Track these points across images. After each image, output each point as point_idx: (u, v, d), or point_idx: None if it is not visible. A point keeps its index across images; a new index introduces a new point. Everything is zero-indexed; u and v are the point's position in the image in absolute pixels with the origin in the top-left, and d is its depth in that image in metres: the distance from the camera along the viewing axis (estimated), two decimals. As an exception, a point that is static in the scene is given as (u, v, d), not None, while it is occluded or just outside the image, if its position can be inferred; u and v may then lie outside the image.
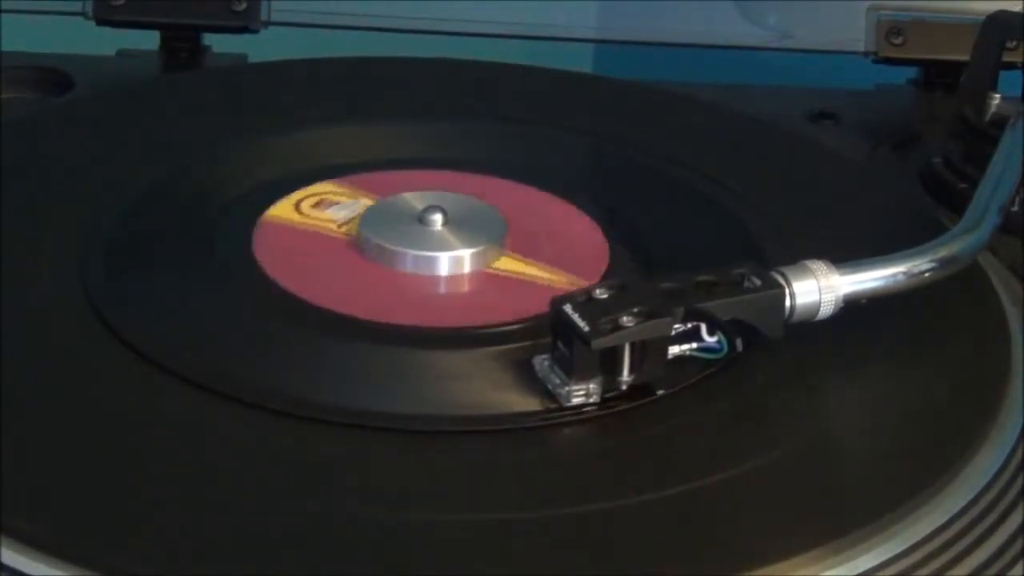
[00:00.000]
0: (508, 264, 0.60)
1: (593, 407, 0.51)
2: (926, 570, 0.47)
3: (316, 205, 0.62)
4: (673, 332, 0.51)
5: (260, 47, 0.81)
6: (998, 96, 0.71)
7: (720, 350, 0.53)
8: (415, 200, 0.61)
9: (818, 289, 0.53)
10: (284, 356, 0.53)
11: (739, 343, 0.53)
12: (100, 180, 0.64)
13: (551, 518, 0.47)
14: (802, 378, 0.54)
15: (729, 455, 0.50)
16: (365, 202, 0.62)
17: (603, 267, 0.60)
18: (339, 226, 0.61)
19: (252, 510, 0.47)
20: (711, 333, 0.53)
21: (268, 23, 0.81)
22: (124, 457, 0.49)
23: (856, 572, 0.47)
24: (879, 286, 0.54)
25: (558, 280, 0.59)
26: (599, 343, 0.50)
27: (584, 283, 0.57)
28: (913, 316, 0.56)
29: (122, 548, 0.45)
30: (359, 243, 0.60)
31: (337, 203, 0.62)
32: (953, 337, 0.58)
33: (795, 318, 0.53)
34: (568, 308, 0.50)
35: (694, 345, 0.53)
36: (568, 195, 0.65)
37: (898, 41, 0.83)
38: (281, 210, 0.62)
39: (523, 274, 0.59)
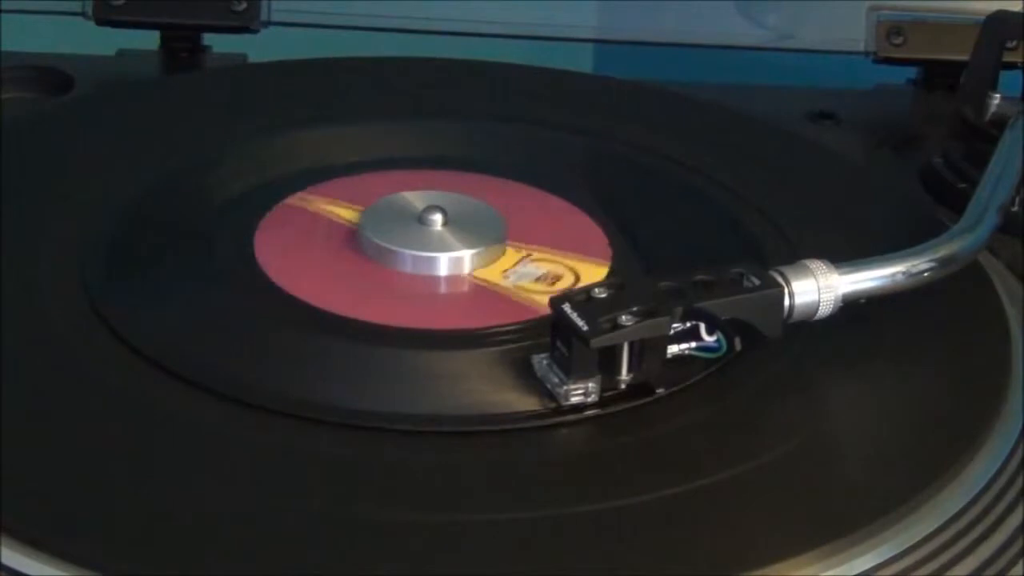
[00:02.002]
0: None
1: (592, 406, 0.51)
2: (926, 570, 0.47)
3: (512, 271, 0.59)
4: (672, 331, 0.51)
5: (260, 47, 0.81)
6: (998, 96, 0.71)
7: (719, 349, 0.53)
8: (415, 200, 0.61)
9: (817, 289, 0.53)
10: (284, 356, 0.53)
11: (737, 342, 0.53)
12: (100, 180, 0.64)
13: (551, 518, 0.47)
14: (802, 378, 0.54)
15: (729, 455, 0.50)
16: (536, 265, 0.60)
17: (603, 267, 0.60)
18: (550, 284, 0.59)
19: (251, 510, 0.47)
20: (710, 332, 0.53)
21: (268, 23, 0.81)
22: (124, 457, 0.49)
23: (856, 572, 0.47)
24: (878, 286, 0.54)
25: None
26: (598, 342, 0.50)
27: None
28: (913, 316, 0.56)
29: (121, 548, 0.45)
30: (359, 243, 0.60)
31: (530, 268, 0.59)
32: (953, 337, 0.58)
33: (794, 317, 0.53)
34: (567, 307, 0.50)
35: (693, 344, 0.53)
36: (568, 195, 0.65)
37: (898, 41, 0.83)
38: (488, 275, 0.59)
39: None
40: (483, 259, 0.59)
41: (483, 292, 0.58)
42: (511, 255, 0.60)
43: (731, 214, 0.64)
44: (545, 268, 0.59)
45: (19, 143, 0.66)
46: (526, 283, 0.58)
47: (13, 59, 0.77)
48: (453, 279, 0.59)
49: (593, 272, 0.59)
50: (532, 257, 0.60)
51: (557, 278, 0.59)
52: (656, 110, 0.74)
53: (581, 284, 0.58)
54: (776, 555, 0.46)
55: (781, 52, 0.85)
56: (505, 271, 0.59)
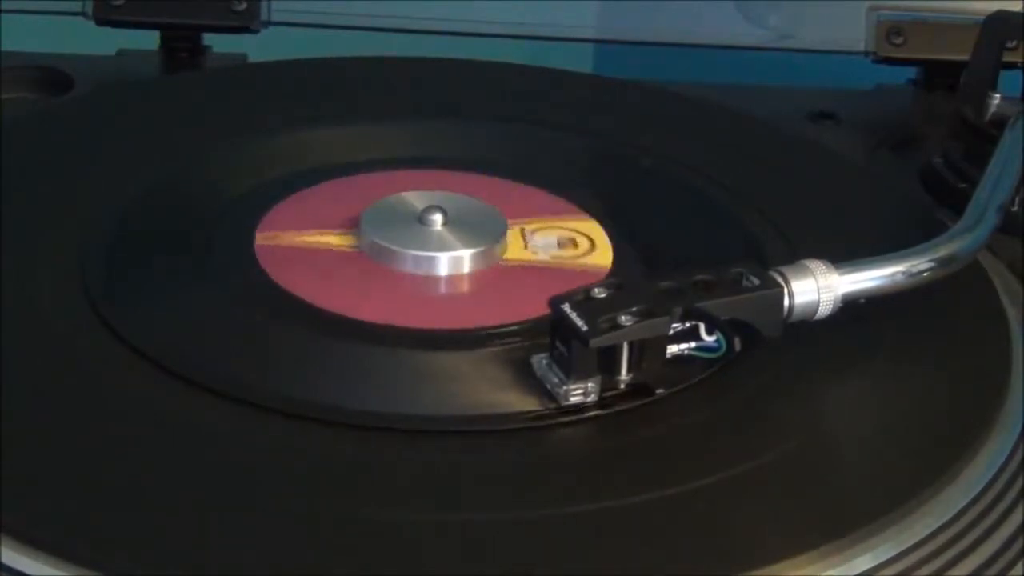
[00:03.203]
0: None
1: (592, 406, 0.51)
2: (926, 570, 0.47)
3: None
4: (671, 331, 0.51)
5: (260, 47, 0.81)
6: (998, 96, 0.71)
7: (718, 349, 0.53)
8: (415, 200, 0.61)
9: (817, 288, 0.53)
10: (284, 356, 0.54)
11: (737, 342, 0.53)
12: (100, 180, 0.64)
13: (551, 518, 0.47)
14: (801, 378, 0.54)
15: (729, 455, 0.50)
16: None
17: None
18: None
19: (252, 510, 0.47)
20: (709, 332, 0.53)
21: (268, 23, 0.81)
22: (124, 457, 0.49)
23: (856, 572, 0.47)
24: (878, 285, 0.54)
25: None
26: (597, 342, 0.50)
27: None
28: (913, 316, 0.56)
29: (120, 548, 0.45)
30: (359, 243, 0.60)
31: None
32: (953, 337, 0.58)
33: (794, 317, 0.53)
34: (566, 307, 0.50)
35: (692, 344, 0.53)
36: (568, 195, 0.65)
37: (898, 41, 0.83)
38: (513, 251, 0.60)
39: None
40: (483, 259, 0.59)
41: (521, 272, 0.59)
42: (514, 235, 0.61)
43: (731, 214, 0.64)
44: (554, 235, 0.60)
45: (19, 143, 0.66)
46: (556, 252, 0.59)
47: (13, 59, 0.77)
48: (453, 278, 0.59)
49: (591, 229, 0.62)
50: (533, 230, 0.61)
51: (572, 241, 0.60)
52: (656, 110, 0.74)
53: (592, 244, 0.61)
54: (776, 555, 0.46)
55: (781, 52, 0.85)
56: (525, 248, 0.60)
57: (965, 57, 0.74)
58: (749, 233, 0.63)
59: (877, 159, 0.75)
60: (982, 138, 0.69)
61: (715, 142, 0.71)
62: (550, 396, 0.51)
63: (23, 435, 0.49)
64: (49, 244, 0.59)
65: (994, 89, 0.71)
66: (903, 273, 0.55)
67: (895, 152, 0.76)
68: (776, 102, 0.79)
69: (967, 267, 0.57)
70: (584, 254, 0.60)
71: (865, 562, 0.47)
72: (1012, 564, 0.48)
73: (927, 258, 0.55)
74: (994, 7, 0.74)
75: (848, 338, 0.55)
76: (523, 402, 0.51)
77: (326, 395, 0.51)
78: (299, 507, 0.47)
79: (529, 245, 0.59)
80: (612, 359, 0.51)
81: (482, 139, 0.69)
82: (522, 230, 0.61)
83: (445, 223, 0.60)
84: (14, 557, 0.45)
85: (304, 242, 0.60)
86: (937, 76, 0.83)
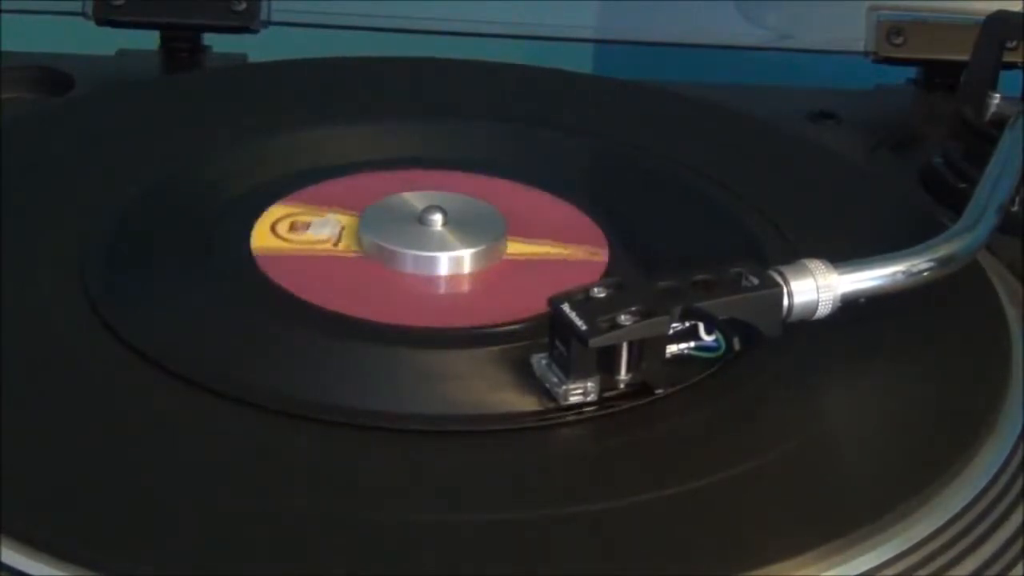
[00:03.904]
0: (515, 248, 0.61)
1: (591, 406, 0.51)
2: (926, 570, 0.47)
3: (292, 229, 0.61)
4: (671, 331, 0.51)
5: (260, 47, 0.81)
6: (998, 96, 0.71)
7: (717, 349, 0.53)
8: (415, 200, 0.61)
9: (816, 288, 0.53)
10: (284, 356, 0.53)
11: (736, 342, 0.53)
12: (100, 180, 0.64)
13: (550, 518, 0.47)
14: (801, 378, 0.54)
15: (729, 455, 0.50)
16: (335, 217, 0.61)
17: (603, 267, 0.60)
18: (333, 244, 0.60)
19: (252, 510, 0.47)
20: (709, 332, 0.53)
21: (268, 23, 0.81)
22: (124, 457, 0.49)
23: (856, 572, 0.47)
24: (877, 285, 0.54)
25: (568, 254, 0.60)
26: (596, 342, 0.50)
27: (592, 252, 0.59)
28: (913, 316, 0.56)
29: (121, 548, 0.45)
30: (359, 243, 0.60)
31: (310, 223, 0.61)
32: (953, 337, 0.58)
33: (793, 317, 0.53)
34: (566, 307, 0.50)
35: (692, 344, 0.53)
36: (568, 195, 0.65)
37: (898, 41, 0.83)
38: (261, 239, 0.60)
39: (532, 254, 0.60)
40: (483, 259, 0.59)
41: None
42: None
43: (731, 214, 0.64)
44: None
45: (19, 143, 0.66)
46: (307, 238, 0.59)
47: (13, 59, 0.77)
48: (453, 278, 0.59)
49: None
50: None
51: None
52: (656, 110, 0.74)
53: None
54: (776, 555, 0.46)
55: (781, 52, 0.85)
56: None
57: (965, 57, 0.74)
58: (749, 233, 0.63)
59: (877, 159, 0.75)
60: (982, 138, 0.69)
61: (715, 142, 0.71)
62: (550, 396, 0.51)
63: (23, 435, 0.49)
64: (49, 244, 0.59)
65: (994, 89, 0.71)
66: (903, 273, 0.55)
67: (895, 152, 0.76)
68: (776, 102, 0.79)
69: (967, 267, 0.57)
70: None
71: (865, 562, 0.47)
72: (1012, 564, 0.48)
73: (926, 258, 0.55)
74: (994, 7, 0.74)
75: (848, 338, 0.55)
76: (522, 402, 0.51)
77: (326, 395, 0.51)
78: (299, 507, 0.47)
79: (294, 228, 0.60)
80: (611, 359, 0.51)
81: (482, 139, 0.69)
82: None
83: (445, 223, 0.60)
84: (14, 557, 0.45)
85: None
86: (937, 76, 0.83)
